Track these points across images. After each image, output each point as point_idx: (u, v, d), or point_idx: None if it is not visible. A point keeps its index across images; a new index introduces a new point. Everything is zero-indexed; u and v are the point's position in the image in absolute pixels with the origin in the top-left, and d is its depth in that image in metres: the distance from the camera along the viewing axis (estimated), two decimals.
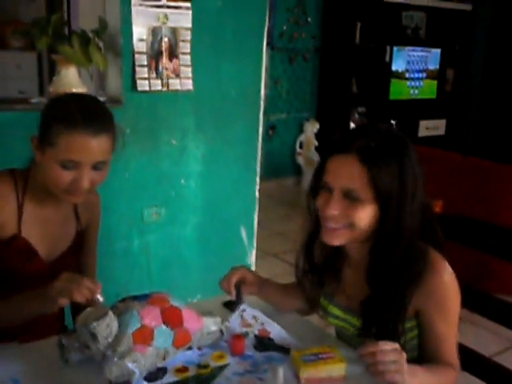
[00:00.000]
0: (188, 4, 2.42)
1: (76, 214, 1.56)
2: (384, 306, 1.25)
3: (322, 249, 1.37)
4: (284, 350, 1.28)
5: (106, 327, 1.12)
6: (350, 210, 1.20)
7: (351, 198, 1.19)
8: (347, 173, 1.19)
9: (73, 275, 1.27)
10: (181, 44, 2.44)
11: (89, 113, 1.34)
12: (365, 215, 1.20)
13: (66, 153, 1.31)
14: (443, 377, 1.28)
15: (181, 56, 2.45)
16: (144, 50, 2.34)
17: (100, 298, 1.24)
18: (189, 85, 2.49)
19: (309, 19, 5.95)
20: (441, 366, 1.29)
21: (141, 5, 2.29)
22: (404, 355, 1.14)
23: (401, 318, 1.25)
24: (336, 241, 1.26)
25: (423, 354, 1.32)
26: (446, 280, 1.25)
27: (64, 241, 1.53)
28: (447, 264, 1.27)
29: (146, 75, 2.37)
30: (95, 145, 1.32)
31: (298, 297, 1.51)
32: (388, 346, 1.14)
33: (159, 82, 2.41)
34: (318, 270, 1.40)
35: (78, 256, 1.56)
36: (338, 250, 1.36)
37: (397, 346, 1.15)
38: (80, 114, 1.31)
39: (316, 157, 6.03)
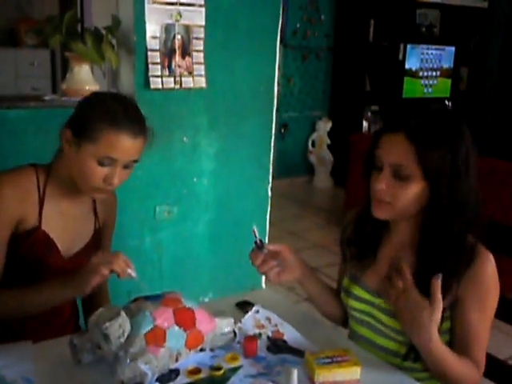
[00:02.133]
0: (201, 1, 2.40)
1: (95, 211, 1.59)
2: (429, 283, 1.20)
3: (368, 224, 1.39)
4: (298, 352, 1.27)
5: (119, 328, 1.11)
6: (398, 188, 1.23)
7: (400, 176, 1.22)
8: (396, 150, 1.22)
9: (108, 252, 1.39)
10: (194, 41, 2.42)
11: (132, 114, 1.40)
12: (412, 193, 1.22)
13: (106, 150, 1.35)
14: (466, 370, 1.24)
15: (194, 53, 2.44)
16: (157, 47, 2.33)
17: (133, 273, 1.31)
18: (202, 82, 2.47)
19: (322, 17, 5.93)
20: (467, 360, 1.25)
21: (154, 2, 2.28)
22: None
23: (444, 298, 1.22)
24: (382, 215, 1.29)
25: (453, 348, 1.27)
26: (490, 272, 1.25)
27: (82, 237, 1.55)
28: (492, 258, 1.26)
29: (159, 73, 2.35)
30: (134, 145, 1.38)
31: (337, 299, 1.50)
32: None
33: (172, 79, 2.39)
34: (362, 241, 1.40)
35: (94, 254, 1.57)
36: (383, 227, 1.38)
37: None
38: (126, 115, 1.37)
39: (328, 155, 6.01)
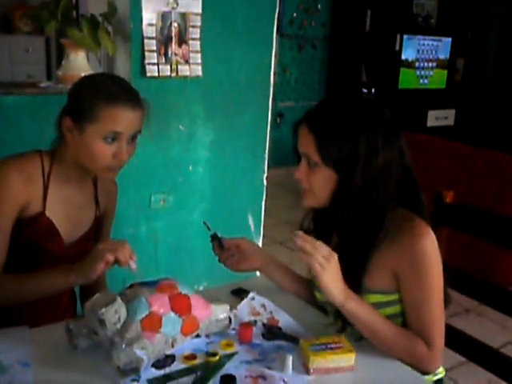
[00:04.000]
0: None
1: (96, 199, 1.59)
2: (347, 259, 1.25)
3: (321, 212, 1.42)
4: (293, 339, 1.28)
5: (115, 313, 1.12)
6: (310, 174, 1.30)
7: (310, 164, 1.29)
8: (302, 140, 1.30)
9: (115, 240, 1.40)
10: (190, 29, 2.41)
11: (125, 87, 1.44)
12: (320, 179, 1.29)
13: (109, 125, 1.37)
14: (402, 339, 1.24)
15: (190, 42, 2.43)
16: (153, 35, 2.31)
17: (134, 265, 1.32)
18: (198, 71, 2.47)
19: (319, 6, 5.90)
20: (407, 330, 1.26)
21: None
22: (335, 257, 1.20)
23: (363, 272, 1.27)
24: (307, 202, 1.36)
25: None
26: (425, 244, 1.25)
27: (83, 225, 1.56)
28: (430, 232, 1.27)
29: (155, 60, 2.34)
30: (134, 116, 1.40)
31: (305, 285, 1.52)
32: (324, 247, 1.19)
33: (168, 67, 2.38)
34: (319, 229, 1.44)
35: (94, 242, 1.57)
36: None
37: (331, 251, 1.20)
38: (120, 89, 1.40)
39: None
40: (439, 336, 1.26)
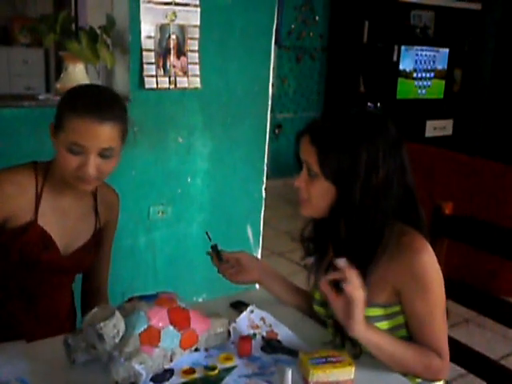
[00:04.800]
0: (196, 1, 2.40)
1: (96, 211, 1.58)
2: None
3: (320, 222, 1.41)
4: (292, 352, 1.27)
5: (113, 328, 1.11)
6: (310, 184, 1.30)
7: (310, 174, 1.29)
8: (304, 150, 1.30)
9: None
10: (189, 42, 2.42)
11: (96, 99, 1.37)
12: (318, 190, 1.28)
13: (71, 136, 1.34)
14: (419, 357, 1.24)
15: (189, 54, 2.43)
16: (152, 47, 2.32)
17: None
18: (196, 83, 2.47)
19: (316, 18, 5.93)
20: (420, 347, 1.26)
21: (149, 2, 2.28)
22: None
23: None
24: (305, 212, 1.36)
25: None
26: (425, 259, 1.25)
27: (82, 236, 1.54)
28: (428, 246, 1.27)
29: (154, 73, 2.35)
30: (101, 131, 1.34)
31: (304, 297, 1.51)
32: (359, 278, 1.16)
33: (167, 79, 2.39)
34: (317, 239, 1.45)
35: (94, 254, 1.56)
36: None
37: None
38: (87, 100, 1.35)
39: None
40: (446, 344, 1.28)
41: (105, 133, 1.34)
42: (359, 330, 1.18)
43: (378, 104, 5.68)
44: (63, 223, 1.49)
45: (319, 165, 1.26)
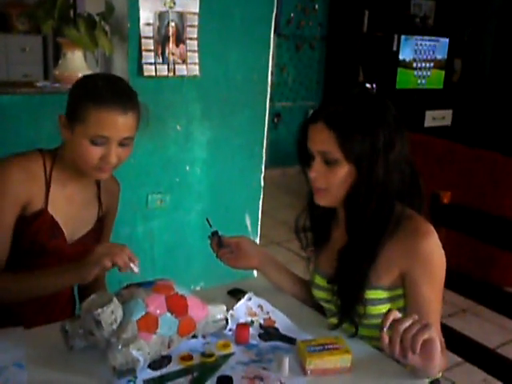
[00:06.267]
0: None
1: (99, 198, 1.59)
2: (356, 256, 1.28)
3: (318, 209, 1.41)
4: (290, 340, 1.27)
5: (111, 314, 1.11)
6: (329, 173, 1.28)
7: (329, 162, 1.27)
8: (319, 138, 1.27)
9: (114, 243, 1.37)
10: (188, 29, 2.41)
11: (117, 90, 1.39)
12: (341, 176, 1.27)
13: (95, 129, 1.35)
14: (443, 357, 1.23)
15: (188, 41, 2.42)
16: (151, 34, 2.31)
17: (136, 268, 1.30)
18: (195, 70, 2.46)
19: (316, 7, 5.90)
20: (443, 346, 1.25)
21: None
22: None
23: (370, 269, 1.27)
24: (322, 201, 1.34)
25: None
26: (431, 243, 1.27)
27: (86, 223, 1.56)
28: (433, 229, 1.28)
29: (153, 60, 2.34)
30: (123, 121, 1.36)
31: (307, 289, 1.51)
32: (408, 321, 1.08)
33: (165, 67, 2.38)
34: (316, 227, 1.45)
35: (96, 241, 1.57)
36: (332, 212, 1.42)
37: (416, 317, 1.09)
38: (109, 91, 1.36)
39: None
40: (439, 328, 1.30)
41: (128, 122, 1.37)
42: (436, 366, 1.14)
43: (374, 85, 5.67)
44: (70, 210, 1.51)
45: (342, 149, 1.24)
